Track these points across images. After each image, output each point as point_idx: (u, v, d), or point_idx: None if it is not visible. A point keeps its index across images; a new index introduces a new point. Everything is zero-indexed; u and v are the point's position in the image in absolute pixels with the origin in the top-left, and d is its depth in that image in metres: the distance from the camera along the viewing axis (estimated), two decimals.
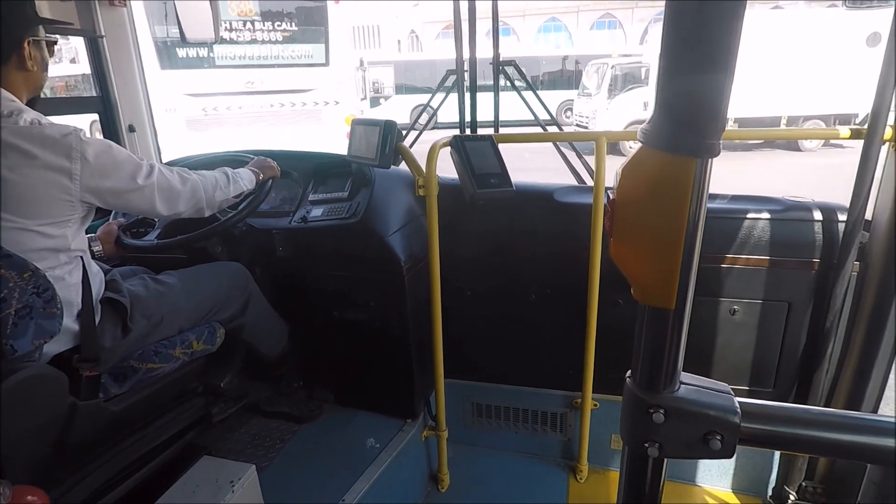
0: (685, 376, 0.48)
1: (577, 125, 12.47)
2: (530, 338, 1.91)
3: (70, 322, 1.19)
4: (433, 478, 1.92)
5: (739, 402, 0.45)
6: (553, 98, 14.40)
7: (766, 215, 1.59)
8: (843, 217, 1.50)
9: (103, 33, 1.90)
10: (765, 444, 0.47)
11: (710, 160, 0.40)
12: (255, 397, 1.94)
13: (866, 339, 1.41)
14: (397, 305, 1.75)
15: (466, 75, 2.16)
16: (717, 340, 1.71)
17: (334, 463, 1.69)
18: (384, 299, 1.76)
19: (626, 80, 11.94)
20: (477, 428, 2.08)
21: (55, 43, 1.31)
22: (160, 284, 1.46)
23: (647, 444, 0.47)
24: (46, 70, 1.28)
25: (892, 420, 0.42)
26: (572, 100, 14.01)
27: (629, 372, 0.49)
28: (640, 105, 11.24)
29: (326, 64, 6.73)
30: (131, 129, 2.03)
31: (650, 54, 11.85)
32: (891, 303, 1.35)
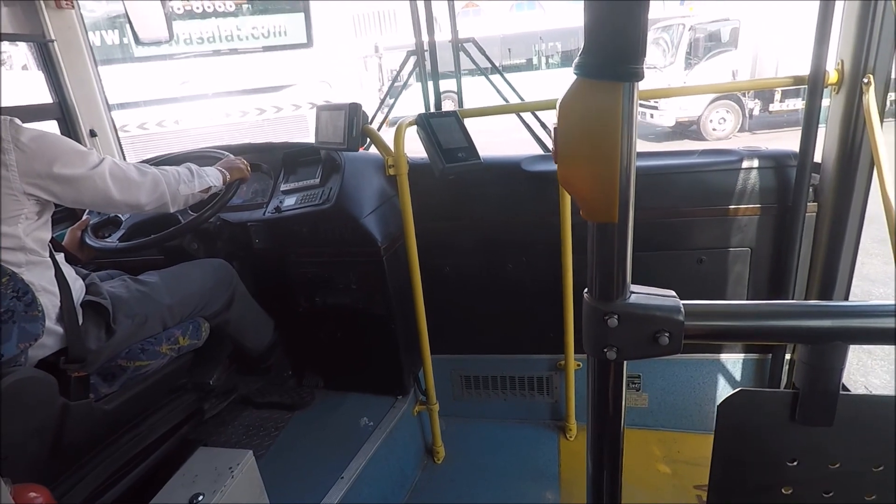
0: (635, 287, 0.53)
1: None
2: (510, 306, 1.96)
3: (52, 325, 1.19)
4: (428, 451, 1.97)
5: (684, 304, 0.51)
6: None
7: (724, 167, 1.65)
8: (795, 162, 1.57)
9: (53, 37, 1.86)
10: (707, 337, 0.53)
11: (636, 84, 0.46)
12: (246, 390, 1.96)
13: (824, 273, 1.50)
14: (378, 286, 1.78)
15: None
16: (687, 290, 1.78)
17: (330, 444, 1.73)
18: (364, 281, 1.79)
19: (709, 43, 9.52)
20: (467, 399, 2.14)
21: None
22: (142, 285, 1.47)
23: (605, 350, 0.52)
24: None
25: (820, 303, 0.48)
26: None
27: (586, 289, 0.54)
28: (728, 75, 8.92)
29: (308, 43, 4.70)
30: (93, 133, 2.00)
31: (739, 8, 9.20)
32: (843, 237, 1.44)
